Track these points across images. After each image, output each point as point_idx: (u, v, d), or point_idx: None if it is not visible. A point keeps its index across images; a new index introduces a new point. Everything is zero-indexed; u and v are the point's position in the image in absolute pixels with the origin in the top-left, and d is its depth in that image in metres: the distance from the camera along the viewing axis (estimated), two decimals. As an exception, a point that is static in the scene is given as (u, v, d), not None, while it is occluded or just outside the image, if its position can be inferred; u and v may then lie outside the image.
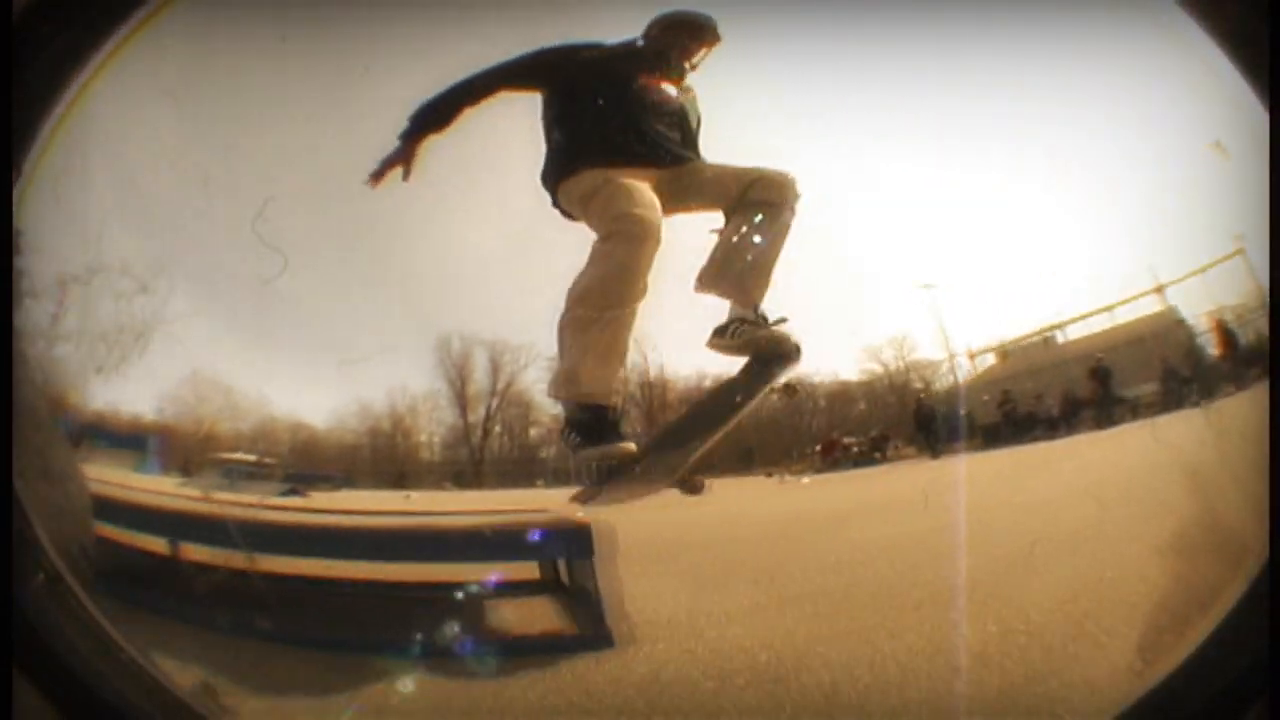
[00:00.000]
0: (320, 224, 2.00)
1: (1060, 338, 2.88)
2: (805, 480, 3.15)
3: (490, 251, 2.09)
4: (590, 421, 1.49)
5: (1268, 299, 0.94)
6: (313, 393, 2.40)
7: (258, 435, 2.48)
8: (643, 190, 1.62)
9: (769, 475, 3.10)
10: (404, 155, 1.70)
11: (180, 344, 1.89)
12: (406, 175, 1.69)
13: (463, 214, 1.92)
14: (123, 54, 0.96)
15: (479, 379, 2.08)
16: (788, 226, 1.63)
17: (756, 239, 1.61)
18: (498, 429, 2.15)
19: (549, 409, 2.62)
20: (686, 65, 1.91)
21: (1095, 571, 1.56)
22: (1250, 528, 0.85)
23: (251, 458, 2.52)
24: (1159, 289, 2.42)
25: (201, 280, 1.75)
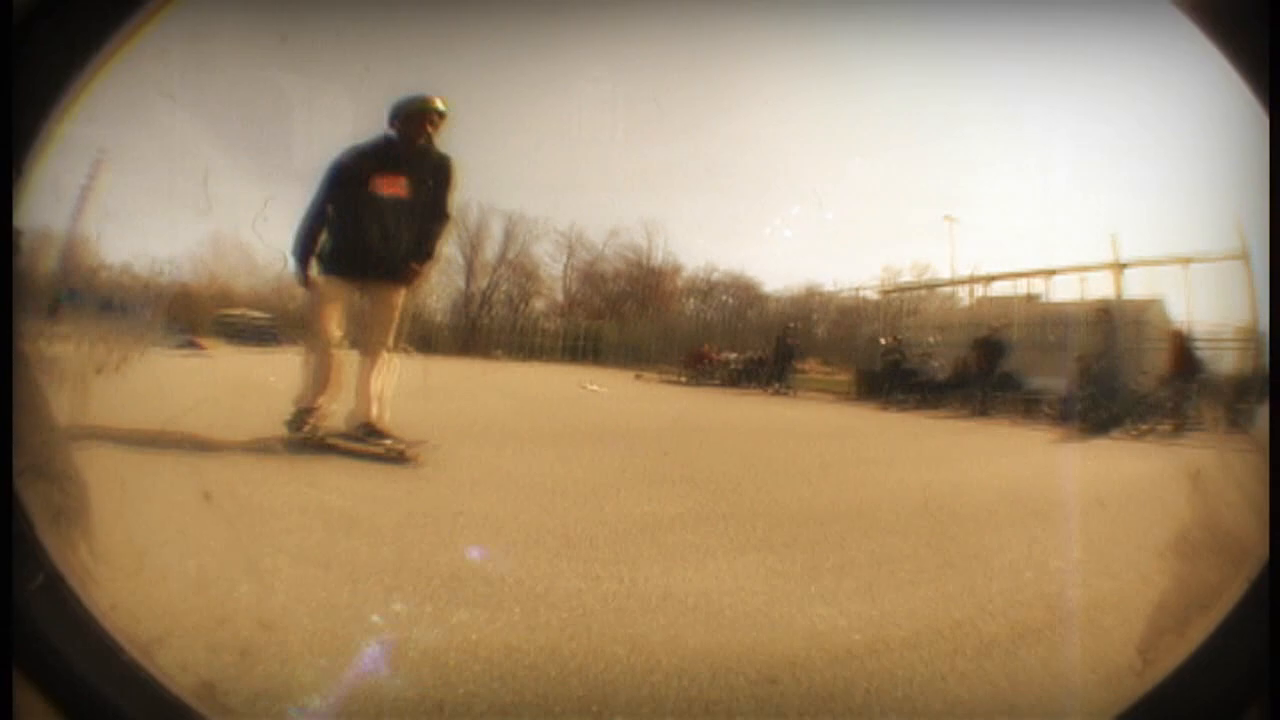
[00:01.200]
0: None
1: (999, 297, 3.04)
2: (595, 387, 3.76)
3: (510, 127, 2.51)
4: (301, 415, 2.72)
5: (1268, 300, 0.94)
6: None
7: (272, 294, 3.14)
8: (337, 310, 2.70)
9: (638, 377, 3.74)
10: (306, 277, 2.73)
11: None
12: (308, 284, 2.76)
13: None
14: (123, 54, 0.96)
15: (491, 247, 2.65)
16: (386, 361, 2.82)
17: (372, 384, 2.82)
18: (501, 296, 2.77)
19: (550, 280, 3.20)
20: (418, 148, 2.55)
21: (1095, 572, 1.56)
22: (1250, 529, 0.85)
23: (239, 312, 3.30)
24: (1146, 264, 2.54)
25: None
